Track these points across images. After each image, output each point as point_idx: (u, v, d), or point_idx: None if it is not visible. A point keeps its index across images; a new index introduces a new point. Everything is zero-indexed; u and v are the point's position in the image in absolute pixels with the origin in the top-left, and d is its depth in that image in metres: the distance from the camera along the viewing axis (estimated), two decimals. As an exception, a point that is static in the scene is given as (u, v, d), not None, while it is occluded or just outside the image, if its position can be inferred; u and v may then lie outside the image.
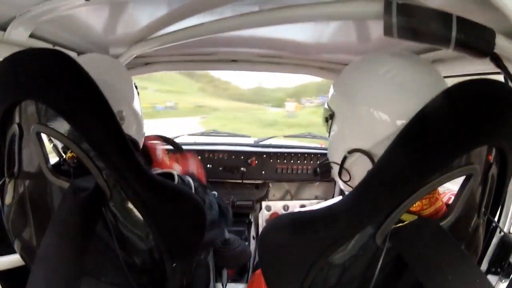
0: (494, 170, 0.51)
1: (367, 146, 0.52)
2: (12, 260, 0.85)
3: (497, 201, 0.55)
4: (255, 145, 1.71)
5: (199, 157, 1.58)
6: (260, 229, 1.64)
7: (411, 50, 0.89)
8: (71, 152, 0.63)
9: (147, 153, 0.90)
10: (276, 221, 0.57)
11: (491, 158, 0.50)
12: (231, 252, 1.32)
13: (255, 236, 1.66)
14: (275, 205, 1.69)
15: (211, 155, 1.59)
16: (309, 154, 1.61)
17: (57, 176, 0.56)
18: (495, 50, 0.49)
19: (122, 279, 0.61)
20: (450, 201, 0.51)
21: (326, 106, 0.60)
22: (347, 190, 0.60)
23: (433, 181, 0.45)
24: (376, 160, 0.51)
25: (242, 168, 1.59)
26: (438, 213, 0.51)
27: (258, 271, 0.83)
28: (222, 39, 1.03)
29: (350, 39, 1.00)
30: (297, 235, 0.52)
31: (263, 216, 1.68)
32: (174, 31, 0.85)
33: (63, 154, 0.64)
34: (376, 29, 0.80)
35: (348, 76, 0.57)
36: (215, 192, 0.90)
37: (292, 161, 1.61)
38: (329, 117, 0.58)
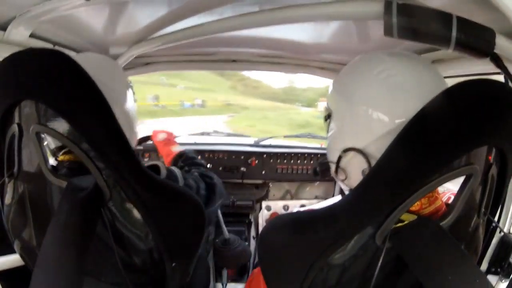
0: (494, 170, 0.51)
1: (361, 145, 0.52)
2: (12, 260, 0.85)
3: (497, 201, 0.55)
4: (255, 145, 1.71)
5: (199, 157, 1.58)
6: (260, 229, 1.64)
7: (411, 50, 0.89)
8: (62, 155, 0.63)
9: None
10: (276, 221, 0.57)
11: (491, 158, 0.50)
12: (231, 252, 1.32)
13: (255, 236, 1.66)
14: (275, 205, 1.69)
15: (211, 155, 1.59)
16: (309, 154, 1.61)
17: (57, 176, 0.56)
18: (495, 50, 0.49)
19: (122, 279, 0.61)
20: (450, 201, 0.51)
21: (325, 105, 0.61)
22: (346, 189, 0.60)
23: (433, 181, 0.45)
24: (370, 159, 0.51)
25: (242, 168, 1.59)
26: (438, 212, 0.51)
27: (257, 269, 0.83)
28: (222, 39, 1.03)
29: (350, 39, 1.00)
30: (297, 235, 0.52)
31: (263, 216, 1.68)
32: (174, 31, 0.85)
33: (54, 157, 0.64)
34: (376, 29, 0.79)
35: (345, 76, 0.57)
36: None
37: (292, 161, 1.61)
38: (327, 117, 0.59)
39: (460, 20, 0.48)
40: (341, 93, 0.56)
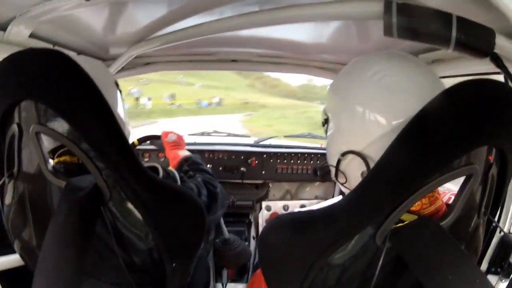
0: (494, 170, 0.51)
1: (359, 148, 0.52)
2: (12, 260, 0.85)
3: (497, 201, 0.55)
4: (255, 145, 1.71)
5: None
6: (260, 229, 1.64)
7: (411, 50, 0.89)
8: (57, 157, 0.63)
9: None
10: (276, 221, 0.57)
11: (491, 158, 0.50)
12: (231, 252, 1.32)
13: (255, 236, 1.66)
14: (275, 205, 1.69)
15: (211, 155, 1.59)
16: (309, 154, 1.61)
17: (57, 176, 0.56)
18: (495, 50, 0.49)
19: (122, 279, 0.61)
20: (450, 201, 0.51)
21: (323, 109, 0.61)
22: (347, 192, 0.60)
23: (433, 181, 0.45)
24: (369, 161, 0.51)
25: (242, 168, 1.59)
26: (439, 212, 0.51)
27: (259, 271, 0.83)
28: (222, 39, 1.03)
29: (350, 39, 1.00)
30: (297, 235, 0.52)
31: (263, 216, 1.68)
32: (174, 31, 0.85)
33: (49, 159, 0.64)
34: (376, 29, 0.79)
35: (341, 78, 0.58)
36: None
37: (292, 161, 1.61)
38: (325, 121, 0.59)
39: (460, 20, 0.48)
40: (338, 95, 0.56)
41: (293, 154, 1.61)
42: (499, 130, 0.46)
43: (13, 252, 0.77)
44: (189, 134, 1.80)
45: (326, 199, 1.69)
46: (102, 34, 0.94)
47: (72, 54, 0.91)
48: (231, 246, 1.33)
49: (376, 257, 0.47)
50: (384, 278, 0.48)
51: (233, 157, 1.60)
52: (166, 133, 1.15)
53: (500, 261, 0.69)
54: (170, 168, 0.78)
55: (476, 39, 0.48)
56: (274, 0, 0.67)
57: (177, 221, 0.63)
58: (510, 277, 0.69)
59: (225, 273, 1.33)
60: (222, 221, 1.33)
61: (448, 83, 0.48)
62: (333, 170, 0.59)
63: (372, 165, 0.51)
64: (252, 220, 1.70)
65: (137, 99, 12.80)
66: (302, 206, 1.67)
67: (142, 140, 1.19)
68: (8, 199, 0.61)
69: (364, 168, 0.52)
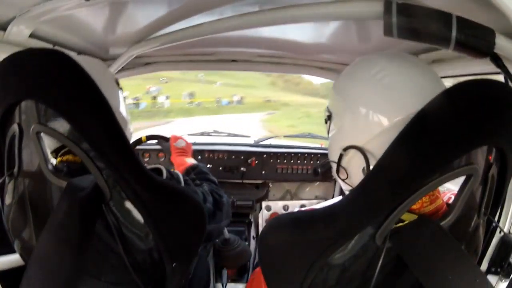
0: (494, 170, 0.51)
1: (360, 143, 0.53)
2: (12, 260, 0.85)
3: (497, 201, 0.55)
4: (255, 145, 1.71)
5: (199, 157, 1.58)
6: (260, 229, 1.64)
7: (411, 50, 0.89)
8: (60, 156, 0.63)
9: None
10: (276, 221, 0.57)
11: (491, 158, 0.50)
12: (231, 252, 1.32)
13: (255, 236, 1.66)
14: (275, 205, 1.69)
15: (211, 155, 1.59)
16: (309, 154, 1.61)
17: (57, 176, 0.56)
18: (495, 50, 0.49)
19: (122, 279, 0.61)
20: (451, 201, 0.51)
21: (326, 107, 0.62)
22: (347, 189, 0.61)
23: (433, 181, 0.45)
24: (370, 157, 0.52)
25: (242, 168, 1.59)
26: (439, 211, 0.51)
27: (257, 270, 0.83)
28: (222, 39, 1.03)
29: (350, 39, 1.00)
30: (297, 235, 0.52)
31: (263, 216, 1.68)
32: (174, 31, 0.85)
33: (52, 159, 0.64)
34: (376, 29, 0.79)
35: (343, 78, 0.59)
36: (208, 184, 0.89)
37: (292, 161, 1.61)
38: (328, 118, 0.60)
39: (460, 20, 0.48)
40: (340, 93, 0.57)
41: (293, 154, 1.61)
42: (499, 130, 0.46)
43: (13, 252, 0.77)
44: (189, 134, 1.80)
45: (326, 199, 1.69)
46: (102, 34, 0.94)
47: (72, 54, 0.92)
48: (231, 246, 1.33)
49: (376, 257, 0.47)
50: (384, 278, 0.48)
51: (233, 157, 1.60)
52: (176, 138, 1.14)
53: (500, 261, 0.69)
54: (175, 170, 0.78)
55: (476, 39, 0.48)
56: (274, 0, 0.67)
57: (177, 221, 0.63)
58: (510, 277, 0.69)
59: (225, 273, 1.33)
60: None
61: (448, 83, 0.48)
62: (334, 166, 0.59)
63: (372, 160, 0.51)
64: (252, 220, 1.70)
65: (154, 97, 12.62)
66: (302, 206, 1.67)
67: (150, 138, 1.19)
68: (8, 199, 0.61)
69: (365, 164, 0.52)
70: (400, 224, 0.47)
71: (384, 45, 0.94)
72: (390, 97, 0.50)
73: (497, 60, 0.50)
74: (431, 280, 0.43)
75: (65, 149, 0.63)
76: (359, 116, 0.52)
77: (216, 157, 1.59)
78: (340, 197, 0.54)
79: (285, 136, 1.93)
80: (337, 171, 0.59)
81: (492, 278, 0.70)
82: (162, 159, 1.58)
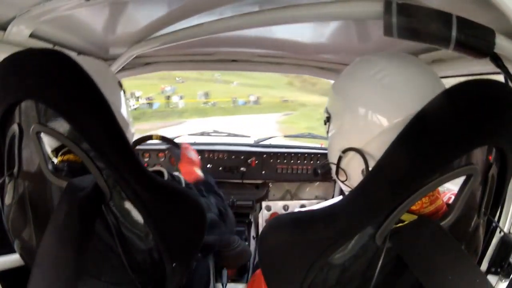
0: (494, 170, 0.51)
1: (359, 145, 0.53)
2: (12, 260, 0.85)
3: (497, 201, 0.55)
4: (255, 145, 1.71)
5: (199, 157, 1.58)
6: (260, 229, 1.64)
7: (411, 50, 0.89)
8: (61, 155, 0.63)
9: None
10: (276, 221, 0.57)
11: (491, 158, 0.50)
12: (231, 252, 1.32)
13: (255, 236, 1.66)
14: (275, 205, 1.69)
15: (211, 155, 1.59)
16: (309, 154, 1.61)
17: (57, 176, 0.56)
18: (495, 50, 0.49)
19: (122, 279, 0.61)
20: (451, 201, 0.51)
21: (325, 108, 0.62)
22: (348, 190, 0.61)
23: (433, 181, 0.45)
24: (369, 158, 0.52)
25: (242, 168, 1.59)
26: (439, 211, 0.51)
27: (258, 271, 0.83)
28: (222, 39, 1.03)
29: (350, 39, 1.00)
30: (297, 235, 0.52)
31: (263, 216, 1.68)
32: (174, 31, 0.85)
33: (53, 159, 0.64)
34: (376, 29, 0.79)
35: (342, 78, 0.59)
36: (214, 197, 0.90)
37: (292, 161, 1.61)
38: (327, 120, 0.60)
39: (460, 20, 0.48)
40: (339, 94, 0.57)
41: (293, 154, 1.61)
42: (499, 130, 0.46)
43: (13, 252, 0.77)
44: (189, 134, 1.80)
45: (326, 199, 1.69)
46: (102, 34, 0.94)
47: (72, 55, 0.92)
48: (231, 246, 1.33)
49: (376, 257, 0.47)
50: (384, 278, 0.48)
51: (233, 157, 1.60)
52: (187, 147, 1.15)
53: (500, 261, 0.69)
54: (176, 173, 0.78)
55: (476, 39, 0.48)
56: (274, 0, 0.67)
57: (177, 221, 0.63)
58: (510, 277, 0.69)
59: (225, 273, 1.34)
60: None
61: (448, 83, 0.48)
62: (334, 168, 0.59)
63: (371, 162, 0.51)
64: (252, 220, 1.70)
65: (168, 97, 12.47)
66: (302, 206, 1.67)
67: (162, 139, 1.19)
68: (8, 199, 0.61)
69: (364, 166, 0.52)
70: (400, 224, 0.47)
71: (384, 45, 0.94)
72: (389, 97, 0.50)
73: (497, 60, 0.50)
74: (431, 280, 0.43)
75: (65, 148, 0.63)
76: (359, 116, 0.52)
77: (216, 157, 1.59)
78: (340, 197, 0.54)
79: (285, 136, 1.93)
80: (337, 173, 0.59)
81: (492, 278, 0.70)
82: (162, 159, 1.58)
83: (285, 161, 1.61)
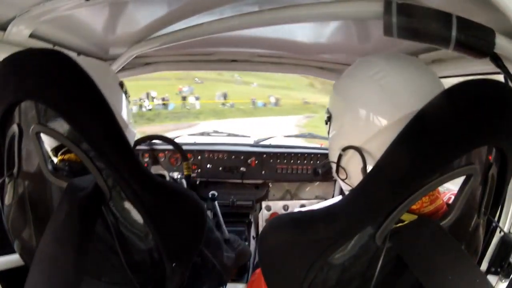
0: (494, 170, 0.51)
1: (359, 143, 0.53)
2: (12, 260, 0.85)
3: (497, 201, 0.55)
4: (255, 145, 1.71)
5: (199, 157, 1.58)
6: (260, 229, 1.64)
7: (411, 50, 0.89)
8: (61, 155, 0.63)
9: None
10: (276, 221, 0.57)
11: (491, 158, 0.50)
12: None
13: (255, 236, 1.66)
14: (275, 205, 1.69)
15: (211, 155, 1.59)
16: (309, 154, 1.61)
17: (57, 176, 0.56)
18: (495, 50, 0.49)
19: (122, 279, 0.61)
20: (451, 201, 0.51)
21: (326, 109, 0.62)
22: (347, 190, 0.61)
23: (433, 181, 0.45)
24: (368, 157, 0.52)
25: (242, 168, 1.59)
26: (439, 211, 0.51)
27: (258, 271, 0.83)
28: (222, 39, 1.03)
29: (350, 39, 1.00)
30: (297, 235, 0.52)
31: (263, 216, 1.68)
32: (174, 31, 0.85)
33: (53, 158, 0.64)
34: (376, 29, 0.79)
35: (343, 79, 0.59)
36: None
37: (292, 161, 1.61)
38: (328, 120, 0.61)
39: (460, 20, 0.48)
40: (340, 94, 0.58)
41: (293, 154, 1.61)
42: (499, 130, 0.46)
43: (13, 252, 0.77)
44: (189, 134, 1.80)
45: (326, 199, 1.69)
46: (102, 34, 0.94)
47: (72, 55, 0.92)
48: (231, 246, 1.33)
49: (376, 257, 0.47)
50: (384, 278, 0.48)
51: (233, 157, 1.60)
52: None
53: (500, 261, 0.69)
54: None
55: (476, 39, 0.48)
56: (274, 0, 0.68)
57: (177, 221, 0.63)
58: (510, 277, 0.69)
59: None
60: (222, 221, 1.33)
61: (448, 83, 0.48)
62: (334, 166, 0.60)
63: (371, 160, 0.51)
64: (252, 220, 1.70)
65: (184, 98, 12.13)
66: (302, 206, 1.67)
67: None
68: (8, 199, 0.61)
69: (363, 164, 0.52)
70: (400, 224, 0.47)
71: (384, 45, 0.94)
72: (389, 97, 0.50)
73: (497, 60, 0.50)
74: (431, 280, 0.43)
75: (65, 148, 0.63)
76: (358, 116, 0.53)
77: (216, 157, 1.59)
78: (340, 197, 0.54)
79: (285, 136, 1.93)
80: (337, 171, 0.59)
81: (492, 278, 0.70)
82: (162, 159, 1.58)
83: (285, 161, 1.61)
